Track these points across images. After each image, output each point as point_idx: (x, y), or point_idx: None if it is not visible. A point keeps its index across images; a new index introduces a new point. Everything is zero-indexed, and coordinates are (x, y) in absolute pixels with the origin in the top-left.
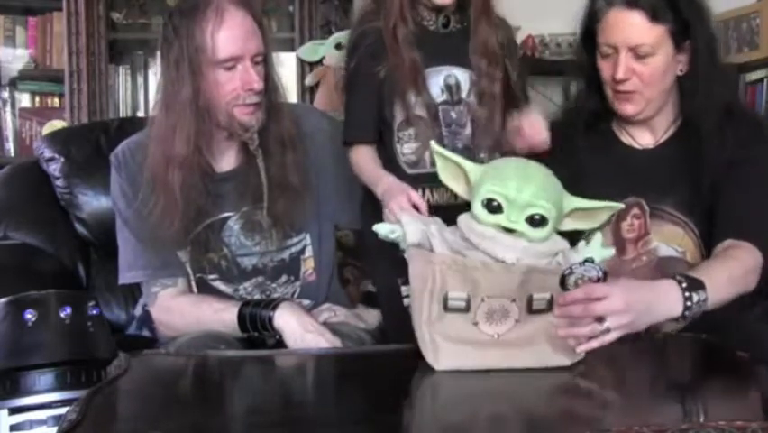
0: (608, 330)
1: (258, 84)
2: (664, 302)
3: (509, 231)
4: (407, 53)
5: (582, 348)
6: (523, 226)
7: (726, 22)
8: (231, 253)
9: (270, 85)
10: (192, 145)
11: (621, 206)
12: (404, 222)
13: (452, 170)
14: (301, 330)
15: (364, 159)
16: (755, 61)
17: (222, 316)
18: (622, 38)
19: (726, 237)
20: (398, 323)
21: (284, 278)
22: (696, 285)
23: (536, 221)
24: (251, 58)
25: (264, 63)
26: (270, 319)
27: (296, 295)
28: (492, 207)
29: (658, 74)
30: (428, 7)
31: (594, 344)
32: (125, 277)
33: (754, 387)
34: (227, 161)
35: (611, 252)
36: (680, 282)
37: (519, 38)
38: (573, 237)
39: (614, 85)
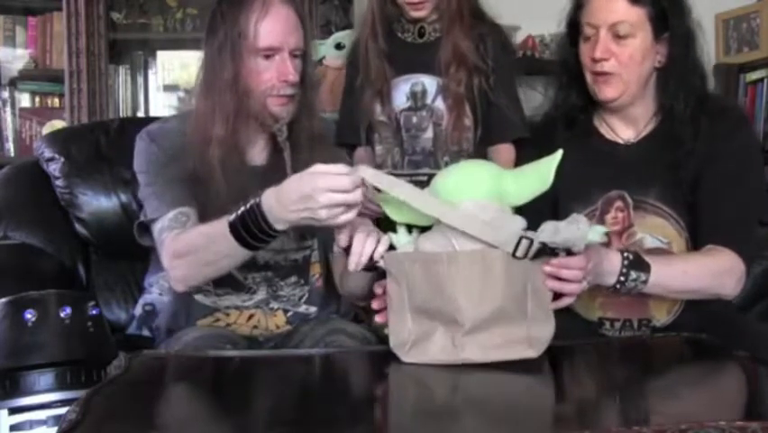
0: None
1: (293, 76)
2: (606, 270)
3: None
4: (375, 66)
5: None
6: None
7: (726, 22)
8: None
9: (307, 81)
10: (231, 127)
11: None
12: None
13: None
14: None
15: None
16: (755, 61)
17: (216, 236)
18: (603, 16)
19: (707, 243)
20: None
21: (294, 279)
22: (640, 265)
23: None
24: (290, 51)
25: (303, 59)
26: (258, 206)
27: (303, 300)
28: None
29: (636, 57)
30: (407, 19)
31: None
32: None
33: (753, 387)
34: (258, 154)
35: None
36: (626, 258)
37: (519, 38)
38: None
39: (593, 66)
